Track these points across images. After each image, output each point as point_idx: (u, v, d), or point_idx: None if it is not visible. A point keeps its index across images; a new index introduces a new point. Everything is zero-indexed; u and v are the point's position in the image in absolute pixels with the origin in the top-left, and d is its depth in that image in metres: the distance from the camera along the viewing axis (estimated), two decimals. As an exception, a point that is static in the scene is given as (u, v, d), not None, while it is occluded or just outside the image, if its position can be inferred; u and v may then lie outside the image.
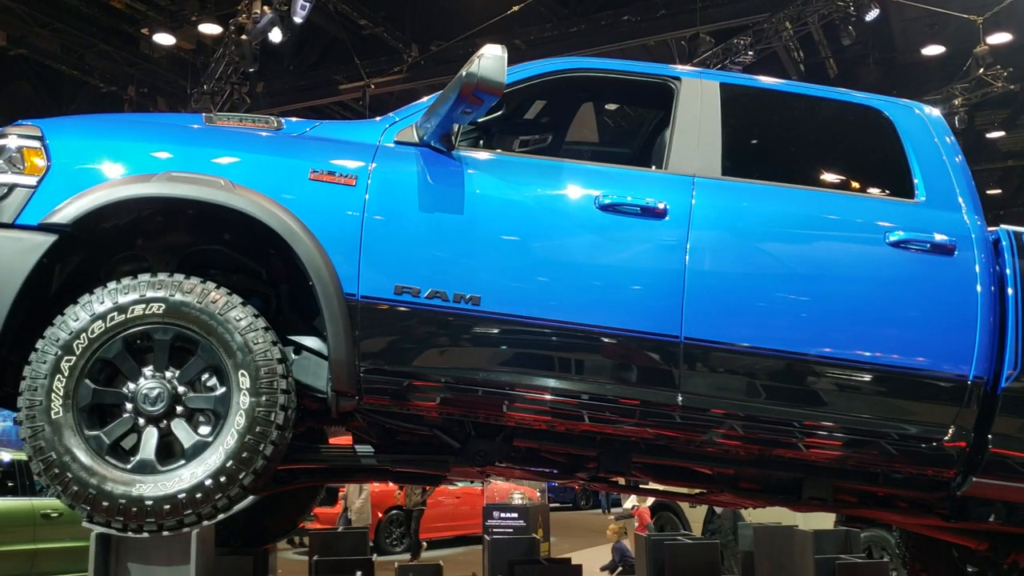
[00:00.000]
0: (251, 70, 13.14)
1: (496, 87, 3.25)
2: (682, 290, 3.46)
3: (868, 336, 3.51)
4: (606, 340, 3.46)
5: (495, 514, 10.71)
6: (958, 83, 16.52)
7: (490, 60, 3.23)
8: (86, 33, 15.50)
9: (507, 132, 4.68)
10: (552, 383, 3.48)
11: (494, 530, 10.40)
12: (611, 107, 4.93)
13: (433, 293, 3.42)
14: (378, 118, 3.81)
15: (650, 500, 11.51)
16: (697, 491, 4.62)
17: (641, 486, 5.05)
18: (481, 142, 4.45)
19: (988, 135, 22.22)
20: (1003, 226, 3.73)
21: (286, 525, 5.30)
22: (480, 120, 4.41)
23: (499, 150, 4.13)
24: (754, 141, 4.12)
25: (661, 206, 3.54)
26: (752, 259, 3.56)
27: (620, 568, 10.25)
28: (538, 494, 12.75)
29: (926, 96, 17.66)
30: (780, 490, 4.13)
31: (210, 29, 14.34)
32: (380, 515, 14.30)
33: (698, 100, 3.82)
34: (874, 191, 3.78)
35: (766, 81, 4.10)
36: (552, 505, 20.31)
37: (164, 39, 15.27)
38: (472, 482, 14.63)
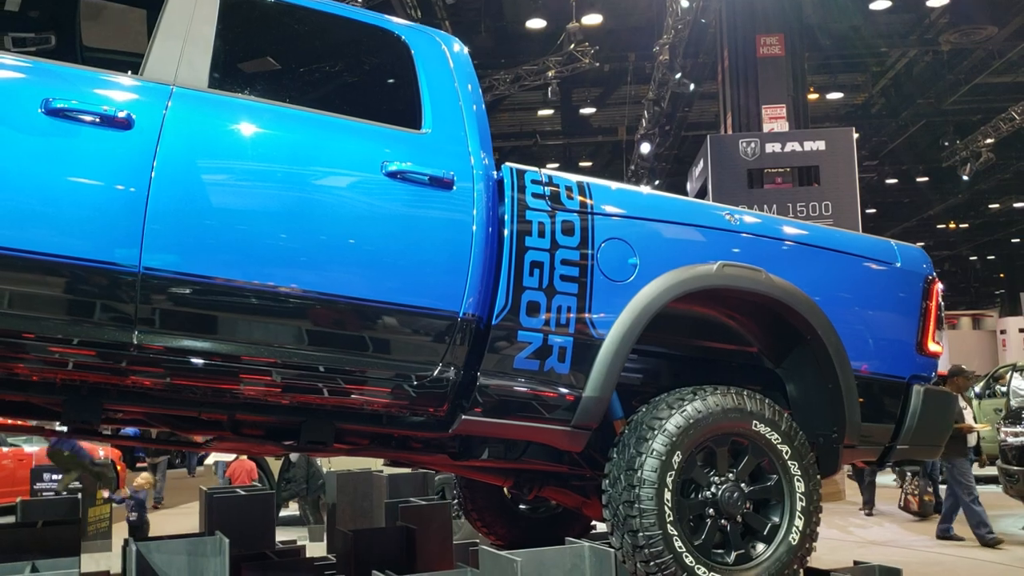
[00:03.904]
0: None
1: None
2: (143, 214, 2.99)
3: (356, 268, 3.28)
4: (47, 270, 2.91)
5: (46, 476, 9.57)
6: (552, 56, 17.58)
7: None
8: None
9: None
10: None
11: (44, 494, 9.32)
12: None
13: None
14: None
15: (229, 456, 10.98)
16: (208, 439, 4.23)
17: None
18: None
19: (582, 111, 24.17)
20: (508, 164, 3.70)
21: None
22: None
23: None
24: (258, 55, 3.75)
25: (123, 115, 3.05)
26: (231, 183, 3.18)
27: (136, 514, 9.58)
28: (100, 453, 11.66)
29: (525, 66, 18.71)
30: (284, 434, 3.88)
31: None
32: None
33: (191, 3, 3.38)
34: (381, 118, 3.57)
35: (281, -8, 3.72)
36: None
37: None
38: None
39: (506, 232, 3.53)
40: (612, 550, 3.56)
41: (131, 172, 3.02)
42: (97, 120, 3.02)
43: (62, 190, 2.94)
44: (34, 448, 12.99)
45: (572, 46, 16.92)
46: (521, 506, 5.40)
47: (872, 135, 26.06)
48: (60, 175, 2.94)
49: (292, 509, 11.42)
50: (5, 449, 13.42)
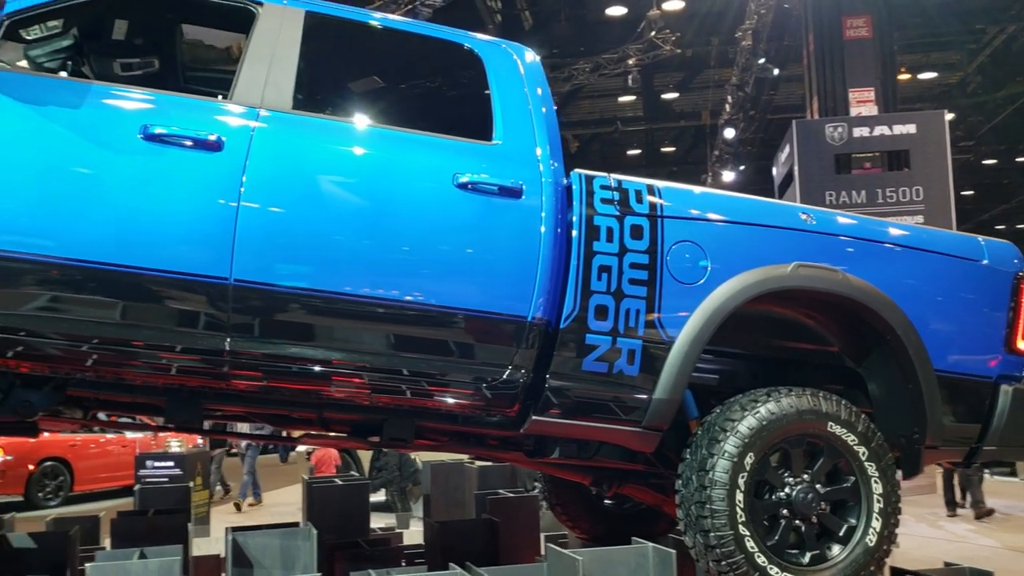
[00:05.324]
0: None
1: None
2: (233, 229, 3.21)
3: (430, 277, 3.42)
4: (147, 282, 3.15)
5: (148, 463, 10.15)
6: (632, 44, 17.46)
7: None
8: None
9: (104, 55, 4.19)
10: (88, 330, 3.14)
11: (147, 480, 9.87)
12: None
13: None
14: None
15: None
16: (299, 434, 4.46)
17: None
18: (70, 65, 3.97)
19: (664, 96, 23.94)
20: (577, 170, 3.76)
21: None
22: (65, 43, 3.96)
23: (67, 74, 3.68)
24: (338, 75, 3.93)
25: (214, 138, 3.27)
26: (313, 199, 3.37)
27: None
28: (199, 441, 12.21)
29: (604, 55, 18.64)
30: (367, 431, 4.05)
31: None
32: (32, 467, 13.05)
33: (277, 28, 3.56)
34: (455, 131, 3.70)
35: (359, 13, 3.88)
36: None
37: None
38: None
39: (575, 236, 3.59)
40: (674, 551, 3.61)
41: (222, 191, 3.23)
42: (190, 143, 3.23)
43: (160, 210, 3.17)
44: (137, 435, 13.68)
45: (653, 33, 16.77)
46: (606, 501, 5.42)
47: (968, 115, 25.15)
48: (157, 196, 3.18)
49: (379, 495, 11.70)
50: (110, 435, 14.17)
